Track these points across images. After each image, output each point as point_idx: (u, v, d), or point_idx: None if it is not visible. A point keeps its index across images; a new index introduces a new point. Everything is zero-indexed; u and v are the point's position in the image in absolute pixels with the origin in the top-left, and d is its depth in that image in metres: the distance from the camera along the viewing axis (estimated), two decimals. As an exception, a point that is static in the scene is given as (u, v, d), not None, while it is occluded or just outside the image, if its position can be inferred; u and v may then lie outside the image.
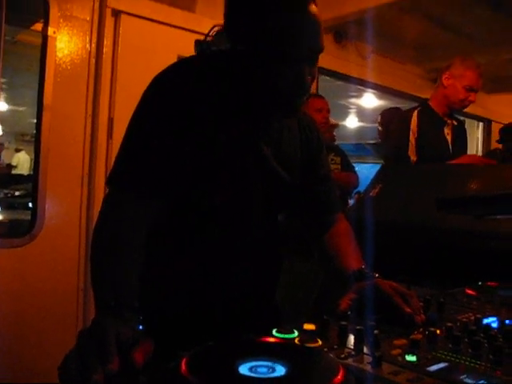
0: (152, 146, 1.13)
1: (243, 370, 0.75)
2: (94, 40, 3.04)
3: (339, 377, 0.73)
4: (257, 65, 1.11)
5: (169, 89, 1.16)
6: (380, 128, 4.59)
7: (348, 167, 4.02)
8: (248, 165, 1.22)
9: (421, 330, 1.05)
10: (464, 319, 1.12)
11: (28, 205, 4.31)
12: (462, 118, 3.48)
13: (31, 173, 9.12)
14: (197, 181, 1.18)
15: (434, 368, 0.84)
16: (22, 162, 12.46)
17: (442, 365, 0.86)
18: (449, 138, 3.00)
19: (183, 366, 0.74)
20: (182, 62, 1.23)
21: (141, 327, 0.94)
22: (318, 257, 1.53)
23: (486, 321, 1.11)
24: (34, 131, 3.04)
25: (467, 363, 0.87)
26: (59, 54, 2.92)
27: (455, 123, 3.06)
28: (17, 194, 5.61)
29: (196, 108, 1.15)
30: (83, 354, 0.75)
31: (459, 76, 2.89)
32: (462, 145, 3.08)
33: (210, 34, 1.29)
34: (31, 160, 11.60)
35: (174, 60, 3.16)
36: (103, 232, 1.09)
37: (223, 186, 1.20)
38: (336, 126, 4.55)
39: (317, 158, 1.40)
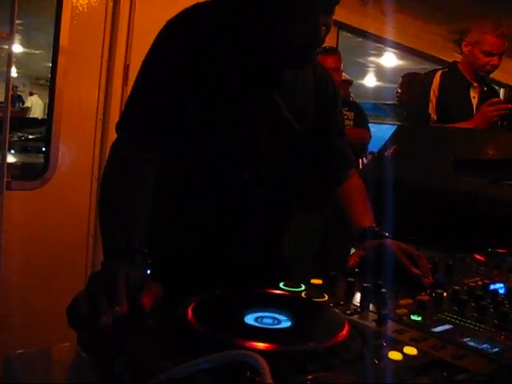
0: (161, 92, 1.13)
1: (249, 320, 0.76)
2: (112, -17, 2.97)
3: (344, 332, 0.73)
4: (270, 13, 1.08)
5: (182, 36, 1.14)
6: (399, 90, 4.53)
7: (361, 124, 3.95)
8: (257, 114, 1.20)
9: (427, 291, 1.05)
10: (471, 283, 1.12)
11: (41, 149, 4.33)
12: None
13: (45, 117, 9.13)
14: (206, 129, 1.17)
15: (438, 329, 0.85)
16: (34, 105, 12.45)
17: (446, 326, 0.87)
18: (474, 101, 2.94)
19: (190, 313, 0.75)
20: (195, 9, 1.20)
21: (149, 272, 0.95)
22: (329, 212, 1.53)
23: (493, 286, 1.12)
24: (49, 75, 3.01)
25: (471, 326, 0.88)
26: (76, -3, 2.86)
27: (485, 88, 2.99)
28: (30, 137, 5.62)
29: (208, 56, 1.14)
30: (92, 296, 0.76)
31: (476, 42, 2.82)
32: None
33: None
34: (44, 104, 11.59)
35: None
36: (113, 176, 1.09)
37: (232, 135, 1.19)
38: (350, 82, 4.47)
39: (332, 111, 1.38)
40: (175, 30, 1.16)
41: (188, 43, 1.13)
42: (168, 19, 1.18)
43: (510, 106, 2.58)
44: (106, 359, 0.70)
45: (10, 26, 2.56)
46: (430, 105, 2.83)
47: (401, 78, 4.62)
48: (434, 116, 2.81)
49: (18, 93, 12.33)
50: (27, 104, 12.32)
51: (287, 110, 1.23)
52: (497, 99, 2.68)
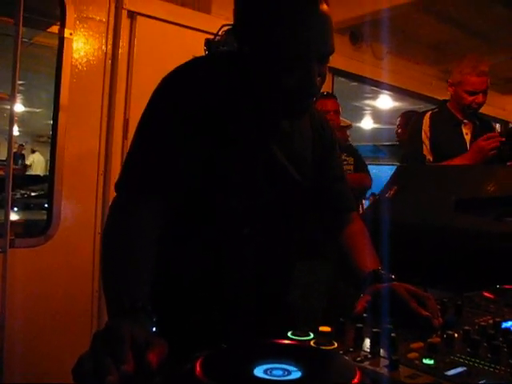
0: (158, 149, 1.12)
1: (258, 372, 0.75)
2: (110, 41, 3.05)
3: (355, 380, 0.72)
4: (264, 66, 1.10)
5: (177, 91, 1.15)
6: (399, 130, 4.58)
7: (361, 168, 3.99)
8: (257, 166, 1.21)
9: (438, 333, 1.03)
10: (482, 323, 1.10)
11: (44, 205, 4.34)
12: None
13: (46, 173, 9.21)
14: (205, 183, 1.17)
15: (451, 372, 0.83)
16: (36, 163, 12.58)
17: (460, 369, 0.85)
18: (467, 137, 2.96)
19: (198, 368, 0.74)
20: (191, 63, 1.22)
21: (154, 329, 0.94)
22: (334, 257, 1.52)
23: (504, 324, 1.09)
24: (50, 132, 3.06)
25: (486, 367, 0.86)
26: (75, 56, 2.94)
27: (477, 123, 3.02)
28: (33, 194, 5.65)
29: (203, 109, 1.14)
30: (98, 355, 0.75)
31: (458, 82, 2.86)
32: None
33: (219, 33, 1.29)
34: (46, 161, 11.71)
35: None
36: (114, 235, 1.08)
37: (232, 190, 1.19)
38: (349, 126, 4.53)
39: (330, 157, 1.39)
40: (170, 86, 1.17)
41: (183, 98, 1.14)
42: (165, 73, 1.20)
43: (502, 139, 2.58)
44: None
45: (11, 87, 2.61)
46: (424, 146, 2.86)
47: (399, 118, 4.68)
48: (429, 157, 2.83)
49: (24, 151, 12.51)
50: (28, 162, 12.45)
51: (286, 159, 1.24)
52: (491, 134, 2.69)
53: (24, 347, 2.64)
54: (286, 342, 0.90)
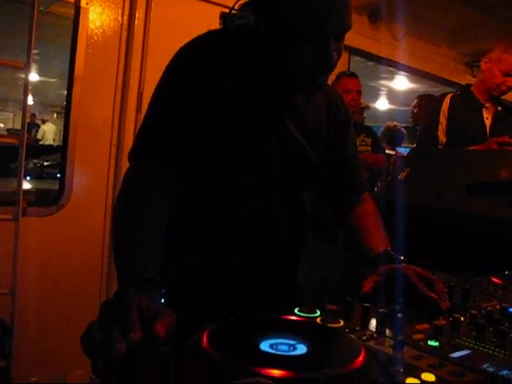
0: (172, 121, 1.13)
1: (264, 346, 0.75)
2: (126, 12, 3.02)
3: (360, 358, 0.72)
4: (280, 40, 1.09)
5: (191, 64, 1.15)
6: (415, 110, 4.54)
7: (378, 149, 3.98)
8: (271, 141, 1.20)
9: (445, 316, 1.04)
10: (489, 307, 1.10)
11: (56, 175, 4.37)
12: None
13: (59, 143, 9.26)
14: (218, 158, 1.17)
15: (456, 354, 0.83)
16: (47, 132, 12.58)
17: (464, 352, 0.85)
18: (488, 122, 2.93)
19: (204, 340, 0.75)
20: (206, 36, 1.21)
21: (163, 300, 0.95)
22: (344, 237, 1.52)
23: (510, 309, 1.10)
24: (64, 102, 3.06)
25: (490, 352, 0.86)
26: (91, 26, 2.92)
27: (499, 108, 2.98)
28: (45, 164, 5.68)
29: (218, 84, 1.14)
30: (106, 324, 0.76)
31: (497, 60, 2.83)
32: (508, 129, 2.95)
33: (235, 6, 1.27)
34: (59, 131, 11.74)
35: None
36: (126, 207, 1.09)
37: (246, 164, 1.19)
38: (366, 107, 4.50)
39: (344, 136, 1.38)
40: (186, 57, 1.17)
41: (199, 70, 1.13)
42: (180, 47, 1.19)
43: None
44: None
45: (27, 56, 2.61)
46: (440, 128, 2.83)
47: (416, 99, 4.64)
48: (442, 139, 2.81)
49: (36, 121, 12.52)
50: (39, 134, 12.43)
51: (299, 134, 1.24)
52: (504, 139, 2.64)
53: (34, 314, 2.68)
54: (293, 317, 0.91)
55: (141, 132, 1.16)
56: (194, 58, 1.16)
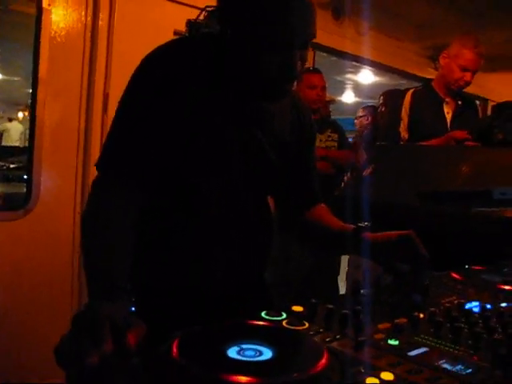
0: (137, 131, 1.15)
1: (232, 353, 0.78)
2: (90, 13, 3.00)
3: (323, 360, 0.76)
4: (245, 49, 1.12)
5: (157, 72, 1.17)
6: (383, 109, 4.64)
7: (344, 144, 4.04)
8: (234, 146, 1.23)
9: (405, 314, 1.08)
10: (447, 304, 1.16)
11: (23, 177, 4.31)
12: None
13: (25, 145, 9.11)
14: (181, 166, 1.19)
15: (414, 353, 0.88)
16: (13, 131, 12.33)
17: (422, 349, 0.90)
18: (449, 116, 3.00)
19: (174, 349, 0.77)
20: (171, 45, 1.23)
21: (133, 309, 0.97)
22: (299, 235, 1.57)
23: (468, 305, 1.15)
24: (29, 101, 3.03)
25: (447, 348, 0.91)
26: (54, 27, 2.89)
27: (459, 102, 3.05)
28: (12, 166, 5.59)
29: (183, 92, 1.16)
30: (77, 337, 0.78)
31: (455, 55, 2.90)
32: (468, 123, 3.02)
33: (202, 14, 1.29)
34: (24, 130, 11.51)
35: (170, 34, 3.13)
36: (92, 217, 1.11)
37: (209, 170, 1.22)
38: (332, 101, 4.56)
39: (307, 146, 1.42)
40: (151, 66, 1.18)
41: (163, 80, 1.15)
42: (145, 50, 1.20)
43: (474, 144, 2.62)
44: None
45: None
46: (402, 123, 2.89)
47: (381, 97, 4.74)
48: (404, 135, 2.87)
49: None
50: (5, 130, 12.19)
51: (264, 140, 1.27)
52: (462, 133, 2.71)
53: (2, 321, 2.65)
54: (259, 322, 0.94)
55: (106, 143, 1.18)
56: (160, 66, 1.17)
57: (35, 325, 2.71)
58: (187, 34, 1.30)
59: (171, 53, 1.21)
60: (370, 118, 5.12)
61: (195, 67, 1.18)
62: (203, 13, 1.29)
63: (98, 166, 1.17)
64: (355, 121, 5.28)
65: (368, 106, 5.46)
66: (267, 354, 0.79)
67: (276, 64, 1.10)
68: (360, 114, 5.29)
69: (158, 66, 1.18)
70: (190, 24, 1.31)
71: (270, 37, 1.07)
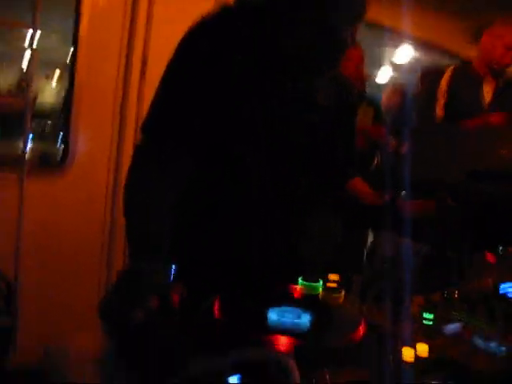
0: (185, 97, 1.15)
1: (272, 315, 0.81)
2: (133, -24, 3.00)
3: (360, 330, 0.78)
4: (295, 20, 1.11)
5: (203, 42, 1.16)
6: (420, 86, 4.56)
7: (380, 120, 3.98)
8: (278, 119, 1.23)
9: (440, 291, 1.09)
10: (482, 283, 1.16)
11: (58, 136, 4.36)
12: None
13: (57, 103, 9.17)
14: (228, 134, 1.20)
15: (448, 328, 0.89)
16: (47, 90, 12.43)
17: (456, 325, 0.91)
18: (488, 95, 2.93)
19: (215, 308, 0.80)
20: (217, 14, 1.22)
21: (172, 275, 0.99)
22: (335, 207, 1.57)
23: (502, 286, 1.15)
24: (65, 60, 3.05)
25: (481, 326, 0.92)
26: (96, -14, 2.90)
27: (500, 83, 2.97)
28: (49, 122, 5.64)
29: (229, 61, 1.15)
30: (123, 293, 0.81)
31: (498, 35, 2.81)
32: (509, 104, 2.94)
33: None
34: (60, 89, 11.61)
35: (210, 2, 3.08)
36: (137, 180, 1.12)
37: (252, 142, 1.22)
38: (369, 77, 4.50)
39: (348, 116, 1.42)
40: (198, 31, 1.18)
41: (211, 48, 1.15)
42: (184, 16, 1.20)
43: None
44: (136, 351, 0.76)
45: (32, 16, 2.60)
46: (438, 102, 2.84)
47: (419, 74, 4.67)
48: (440, 113, 2.82)
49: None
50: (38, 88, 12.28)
51: (308, 112, 1.26)
52: (499, 117, 2.64)
53: (38, 273, 2.72)
54: (299, 288, 0.96)
55: (153, 105, 1.18)
56: (204, 36, 1.17)
57: (70, 280, 2.77)
58: (232, 3, 1.29)
59: (217, 23, 1.20)
60: (398, 97, 4.99)
61: (240, 37, 1.18)
62: None
63: (144, 127, 1.18)
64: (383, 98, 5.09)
65: (396, 84, 5.32)
66: (305, 318, 0.81)
67: (327, 38, 1.09)
68: (388, 91, 5.14)
69: (205, 35, 1.17)
70: None
71: (320, 13, 1.07)
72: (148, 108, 1.20)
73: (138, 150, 1.16)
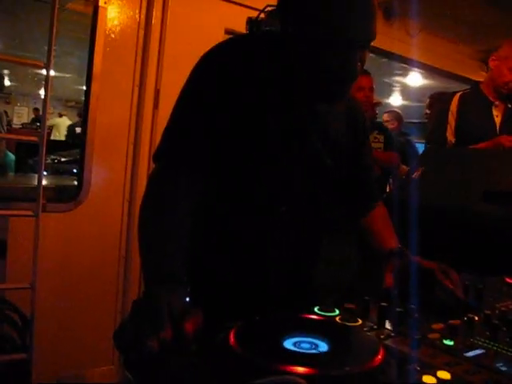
0: (198, 122, 1.16)
1: (288, 344, 0.79)
2: (144, 11, 3.06)
3: (379, 356, 0.76)
4: (305, 49, 1.11)
5: (216, 69, 1.18)
6: (428, 111, 4.58)
7: (390, 146, 4.00)
8: (293, 150, 1.23)
9: (459, 316, 1.07)
10: (503, 308, 1.14)
11: (73, 171, 4.42)
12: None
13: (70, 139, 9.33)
14: (242, 162, 1.20)
15: (470, 354, 0.87)
16: (61, 126, 12.60)
17: (478, 351, 0.89)
18: (498, 119, 2.92)
19: (231, 338, 0.79)
20: (232, 42, 1.24)
21: (188, 299, 0.99)
22: (355, 239, 1.56)
23: (524, 310, 1.13)
24: (79, 98, 3.10)
25: (504, 351, 0.89)
26: (109, 25, 2.96)
27: (510, 106, 2.96)
28: (63, 159, 5.74)
29: (242, 90, 1.17)
30: (138, 323, 0.80)
31: (505, 57, 2.82)
32: None
33: (263, 12, 1.29)
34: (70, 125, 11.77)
35: (221, 33, 3.16)
36: (152, 206, 1.13)
37: (267, 168, 1.22)
38: (379, 104, 4.52)
39: (362, 145, 1.41)
40: (212, 62, 1.20)
41: (224, 76, 1.16)
42: (196, 47, 1.21)
43: None
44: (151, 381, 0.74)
45: (47, 54, 2.65)
46: (448, 127, 2.83)
47: (428, 99, 4.70)
48: (451, 139, 2.81)
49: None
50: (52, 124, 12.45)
51: (320, 144, 1.26)
52: (511, 139, 2.63)
53: (54, 307, 2.73)
54: (314, 317, 0.95)
55: (166, 133, 1.20)
56: (217, 65, 1.19)
57: (86, 313, 2.78)
58: (247, 32, 1.31)
59: (231, 50, 1.22)
60: (396, 124, 5.11)
61: (254, 65, 1.19)
62: (265, 10, 1.29)
63: (157, 155, 1.19)
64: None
65: (392, 111, 5.43)
66: (323, 347, 0.80)
67: (336, 64, 1.09)
68: (385, 118, 5.28)
69: (219, 62, 1.19)
70: (251, 22, 1.31)
71: (333, 35, 1.07)
72: (161, 137, 1.21)
73: (152, 178, 1.17)
